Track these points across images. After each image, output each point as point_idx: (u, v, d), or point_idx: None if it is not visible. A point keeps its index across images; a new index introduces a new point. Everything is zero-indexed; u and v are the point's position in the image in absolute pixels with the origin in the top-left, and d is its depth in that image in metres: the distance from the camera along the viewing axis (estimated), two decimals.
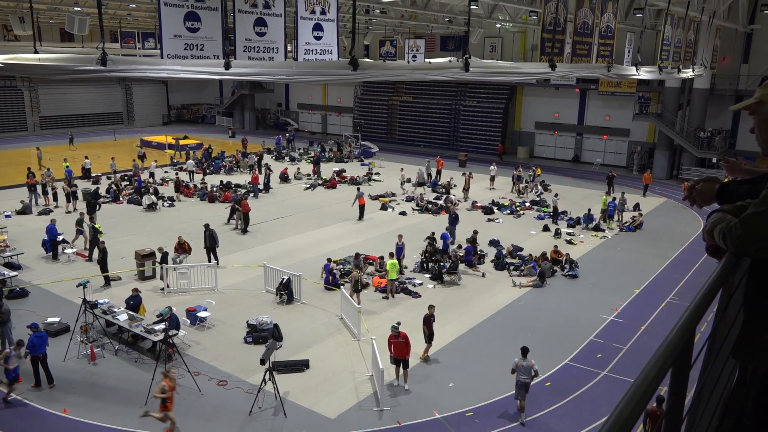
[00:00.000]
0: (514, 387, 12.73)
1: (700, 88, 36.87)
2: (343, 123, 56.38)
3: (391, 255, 19.59)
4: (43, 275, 19.95)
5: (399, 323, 14.11)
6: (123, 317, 15.59)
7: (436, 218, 27.84)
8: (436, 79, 16.99)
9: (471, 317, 17.51)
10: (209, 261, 20.46)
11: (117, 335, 15.78)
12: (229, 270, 20.55)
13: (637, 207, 29.72)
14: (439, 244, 22.36)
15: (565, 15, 18.89)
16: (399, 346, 13.60)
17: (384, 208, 29.35)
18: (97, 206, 24.23)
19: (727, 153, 36.04)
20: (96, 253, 20.25)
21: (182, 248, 20.68)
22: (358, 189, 29.99)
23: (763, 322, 2.09)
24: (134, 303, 16.32)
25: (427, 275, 20.58)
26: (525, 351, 12.79)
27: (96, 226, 21.69)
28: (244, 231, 24.89)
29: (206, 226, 21.27)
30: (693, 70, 29.77)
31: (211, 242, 20.82)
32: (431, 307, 15.31)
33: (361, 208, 27.44)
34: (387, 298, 18.64)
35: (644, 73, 24.21)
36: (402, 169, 35.02)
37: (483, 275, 20.60)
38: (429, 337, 15.00)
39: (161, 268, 19.20)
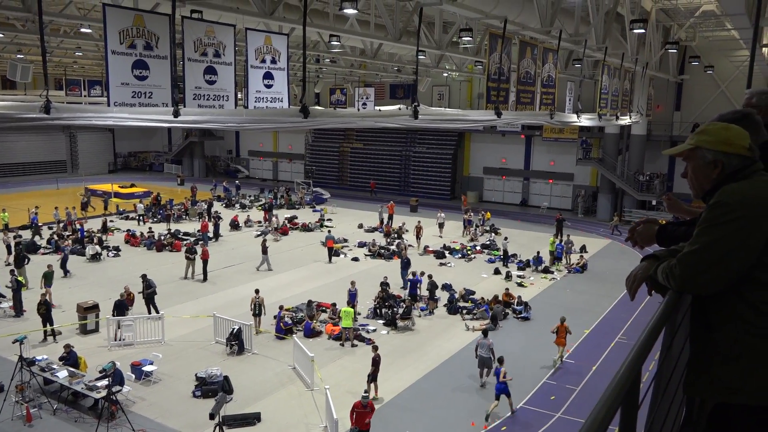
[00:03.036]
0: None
1: (638, 134, 38.71)
2: (295, 170, 56.38)
3: (349, 303, 19.38)
4: None
5: (367, 391, 13.93)
6: (63, 374, 14.78)
7: (389, 263, 27.84)
8: (386, 126, 17.23)
9: (426, 363, 17.39)
10: (149, 312, 19.81)
11: (57, 393, 14.93)
12: (177, 321, 19.91)
13: (583, 249, 30.48)
14: (395, 291, 22.30)
15: (509, 65, 19.65)
16: (364, 416, 13.13)
17: (336, 254, 29.22)
18: (26, 260, 23.27)
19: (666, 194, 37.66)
20: (21, 304, 19.21)
21: (129, 300, 19.95)
22: (329, 231, 30.65)
23: (710, 356, 2.16)
24: (70, 360, 15.50)
25: (381, 321, 20.43)
26: (485, 332, 16.44)
27: (19, 278, 20.71)
28: (204, 279, 24.57)
29: (143, 276, 20.66)
30: (630, 117, 31.23)
31: (147, 291, 20.17)
32: (376, 347, 15.51)
33: (330, 250, 28.01)
34: (343, 345, 18.37)
35: (585, 120, 25.23)
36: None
37: (413, 323, 20.26)
38: (373, 377, 14.95)
39: (107, 320, 18.41)
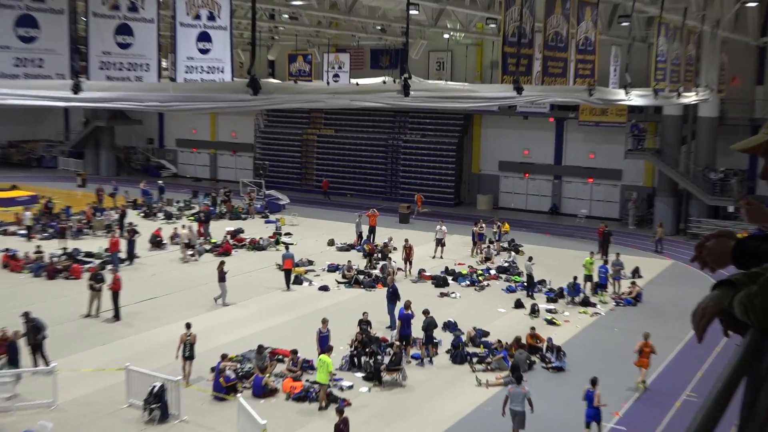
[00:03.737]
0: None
1: (707, 116, 39.15)
2: (241, 165, 56.31)
3: (329, 350, 19.31)
4: None
5: None
6: None
7: (370, 294, 27.86)
8: (367, 105, 17.29)
9: (423, 431, 17.36)
10: (35, 364, 19.62)
11: None
12: (76, 376, 19.71)
13: (636, 273, 30.68)
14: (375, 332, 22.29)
15: (532, 23, 19.82)
16: None
17: (298, 281, 29.18)
18: None
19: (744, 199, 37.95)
20: None
21: (2, 348, 19.70)
22: (287, 248, 30.92)
23: None
24: None
25: (359, 374, 20.39)
26: (519, 377, 17.25)
27: None
28: (116, 317, 24.50)
29: (26, 314, 20.49)
30: (696, 94, 31.55)
31: (34, 336, 19.97)
32: (340, 411, 15.59)
33: (287, 273, 28.38)
34: (323, 407, 18.29)
35: (636, 98, 25.43)
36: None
37: (403, 377, 20.25)
38: None
39: None
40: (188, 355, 19.50)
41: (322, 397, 18.49)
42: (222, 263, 27.18)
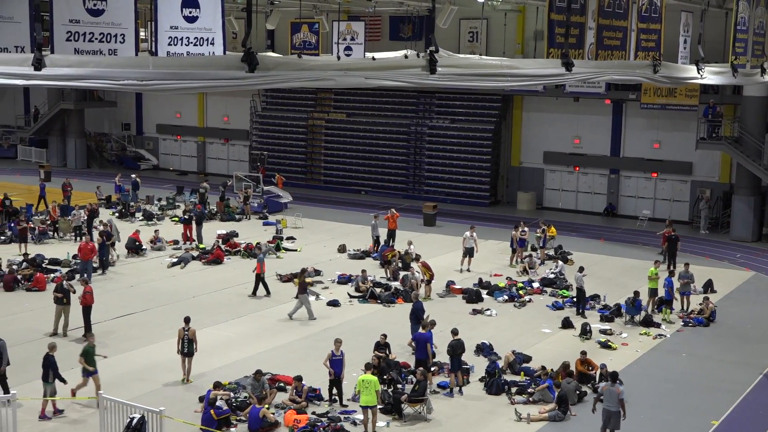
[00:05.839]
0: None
1: None
2: (234, 156, 56.39)
3: (372, 368, 19.60)
4: None
5: None
6: None
7: (389, 310, 27.87)
8: (385, 84, 17.27)
9: None
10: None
11: None
12: (39, 405, 19.80)
13: (708, 287, 30.42)
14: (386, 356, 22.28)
15: None
16: None
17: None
18: None
19: None
20: None
21: None
22: (260, 250, 31.65)
23: None
24: None
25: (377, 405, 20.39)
26: (614, 377, 18.39)
27: None
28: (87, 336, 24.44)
29: None
30: None
31: None
32: None
33: (259, 279, 28.98)
34: None
35: (710, 76, 25.22)
36: None
37: (428, 409, 20.22)
38: None
39: None
40: (186, 351, 21.23)
41: (374, 423, 18.59)
42: (303, 271, 27.83)
